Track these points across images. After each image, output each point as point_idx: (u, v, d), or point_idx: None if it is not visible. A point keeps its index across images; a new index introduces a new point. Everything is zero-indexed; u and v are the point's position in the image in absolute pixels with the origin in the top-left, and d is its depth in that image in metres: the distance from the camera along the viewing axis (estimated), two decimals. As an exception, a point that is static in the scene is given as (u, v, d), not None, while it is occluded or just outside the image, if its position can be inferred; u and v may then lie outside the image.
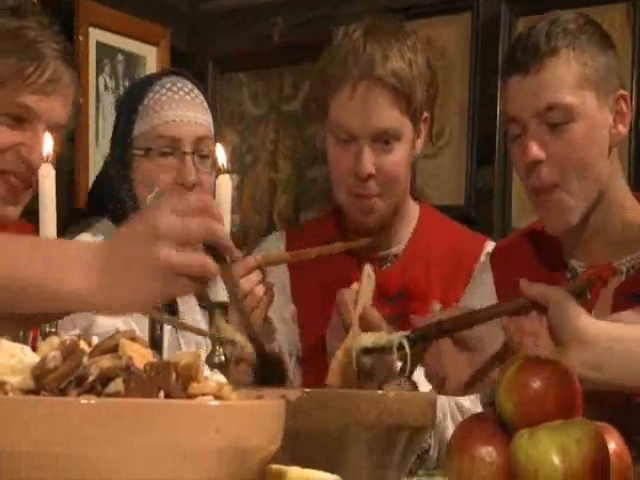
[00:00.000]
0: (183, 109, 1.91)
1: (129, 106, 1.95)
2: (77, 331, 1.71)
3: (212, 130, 1.97)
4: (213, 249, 0.99)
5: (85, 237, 1.90)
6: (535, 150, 1.63)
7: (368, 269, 1.56)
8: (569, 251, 1.75)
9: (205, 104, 1.97)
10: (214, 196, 1.93)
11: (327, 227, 2.03)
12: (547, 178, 1.65)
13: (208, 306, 1.30)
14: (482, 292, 1.81)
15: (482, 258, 1.92)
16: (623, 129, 1.69)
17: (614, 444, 1.10)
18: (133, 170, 1.93)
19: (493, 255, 1.85)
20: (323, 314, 1.86)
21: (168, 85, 1.94)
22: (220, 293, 1.34)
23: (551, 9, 1.75)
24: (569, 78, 1.64)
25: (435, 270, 1.95)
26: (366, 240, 1.80)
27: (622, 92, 1.68)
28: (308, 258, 1.72)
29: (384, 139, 1.86)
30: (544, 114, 1.64)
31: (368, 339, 1.36)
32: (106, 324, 1.72)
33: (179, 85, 1.94)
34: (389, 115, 1.85)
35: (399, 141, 1.87)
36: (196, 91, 1.96)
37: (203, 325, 1.87)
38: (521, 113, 1.66)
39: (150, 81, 1.98)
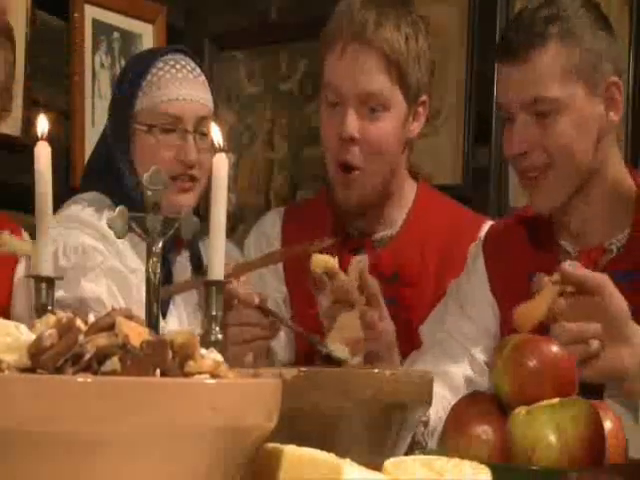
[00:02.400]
0: (186, 88, 1.92)
1: (132, 80, 1.95)
2: (61, 292, 1.72)
3: (212, 109, 1.97)
4: None
5: (70, 212, 1.90)
6: (519, 143, 1.65)
7: (358, 260, 1.55)
8: (561, 233, 1.75)
9: (206, 83, 1.98)
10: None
11: (320, 207, 2.01)
12: (533, 164, 1.66)
13: (205, 285, 1.30)
14: (475, 279, 1.81)
15: (478, 240, 1.92)
16: (615, 116, 1.69)
17: (610, 423, 1.10)
18: (134, 144, 1.93)
19: (485, 241, 1.85)
20: (315, 298, 1.85)
21: (172, 62, 1.94)
22: (217, 269, 1.34)
23: (550, -13, 1.74)
24: (556, 70, 1.63)
25: (431, 252, 1.93)
26: (327, 241, 1.76)
27: (614, 79, 1.67)
28: (276, 262, 1.71)
29: (371, 105, 1.83)
30: (530, 105, 1.64)
31: None
32: (90, 291, 1.75)
33: (182, 63, 1.95)
34: (376, 79, 1.82)
35: (387, 111, 1.84)
36: (198, 70, 1.97)
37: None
38: (508, 102, 1.67)
39: (153, 56, 1.98)
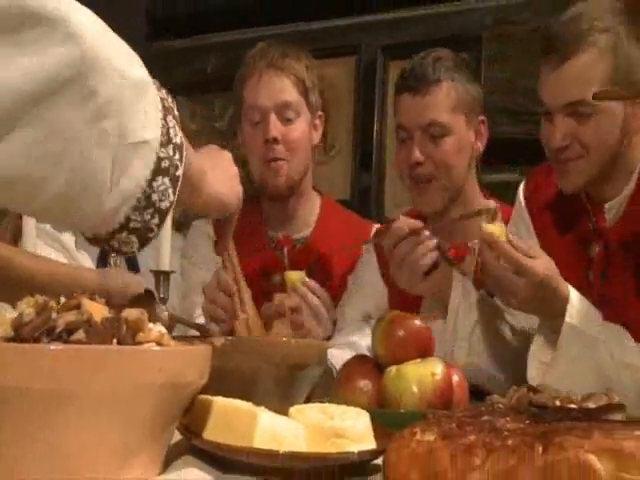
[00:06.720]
0: None
1: None
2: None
3: None
4: None
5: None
6: (417, 154, 1.67)
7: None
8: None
9: None
10: None
11: (252, 214, 1.97)
12: (423, 173, 1.69)
13: (154, 273, 1.27)
14: (369, 271, 1.82)
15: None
16: (480, 146, 1.74)
17: (457, 377, 1.12)
18: None
19: (375, 239, 1.85)
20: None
21: None
22: (164, 262, 1.31)
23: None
24: (447, 103, 1.67)
25: (336, 249, 1.93)
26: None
27: (482, 118, 1.73)
28: None
29: (286, 115, 1.81)
30: (426, 127, 1.67)
31: None
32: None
33: None
34: (289, 91, 1.82)
35: (299, 117, 1.83)
36: None
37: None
38: (409, 124, 1.69)
39: None
